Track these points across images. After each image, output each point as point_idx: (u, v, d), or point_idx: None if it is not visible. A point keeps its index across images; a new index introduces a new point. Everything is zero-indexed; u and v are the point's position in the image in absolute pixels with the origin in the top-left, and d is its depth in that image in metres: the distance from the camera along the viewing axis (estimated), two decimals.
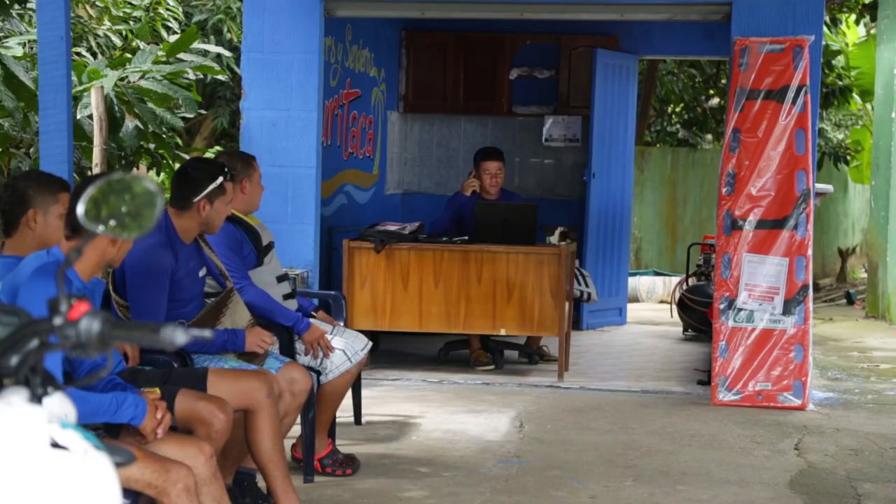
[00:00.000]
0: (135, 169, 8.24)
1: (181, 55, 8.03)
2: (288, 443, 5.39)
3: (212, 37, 10.87)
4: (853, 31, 16.60)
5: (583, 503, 5.09)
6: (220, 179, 4.67)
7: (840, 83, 15.44)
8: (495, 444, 6.09)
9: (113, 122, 7.37)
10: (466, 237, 7.90)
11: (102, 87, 7.08)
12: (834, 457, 5.99)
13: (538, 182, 11.01)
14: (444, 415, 6.76)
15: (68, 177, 5.94)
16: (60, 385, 1.90)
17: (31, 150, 7.81)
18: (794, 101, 7.20)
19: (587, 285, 9.00)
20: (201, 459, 3.64)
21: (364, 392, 6.65)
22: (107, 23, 9.42)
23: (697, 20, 8.73)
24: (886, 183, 12.50)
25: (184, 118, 8.45)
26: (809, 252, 7.23)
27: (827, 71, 14.64)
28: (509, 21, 9.91)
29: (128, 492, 3.36)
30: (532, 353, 8.54)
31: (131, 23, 9.54)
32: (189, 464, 3.54)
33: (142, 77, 7.67)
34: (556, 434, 6.38)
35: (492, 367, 8.18)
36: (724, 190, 7.29)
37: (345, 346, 5.43)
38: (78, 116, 7.30)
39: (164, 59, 7.93)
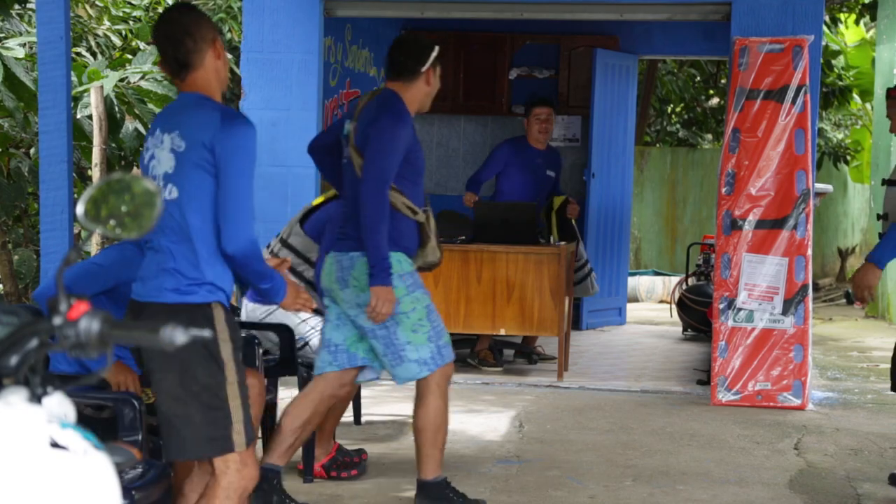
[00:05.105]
0: (135, 168, 8.25)
1: None
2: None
3: None
4: (853, 32, 16.60)
5: (582, 503, 5.09)
6: (437, 48, 4.70)
7: (840, 83, 15.45)
8: (495, 444, 6.10)
9: (113, 123, 7.37)
10: (464, 237, 7.92)
11: (102, 87, 7.09)
12: (833, 457, 6.00)
13: None
14: None
15: (67, 177, 5.95)
16: (60, 385, 1.90)
17: (32, 150, 7.81)
18: (793, 101, 7.20)
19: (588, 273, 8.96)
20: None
21: (364, 392, 6.66)
22: (106, 23, 9.43)
23: (697, 20, 8.73)
24: None
25: None
26: (809, 252, 7.23)
27: (827, 71, 14.64)
28: (509, 21, 9.91)
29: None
30: (531, 353, 8.55)
31: (131, 23, 9.55)
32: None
33: (142, 78, 7.68)
34: (555, 434, 6.38)
35: (499, 369, 8.20)
36: (723, 190, 7.29)
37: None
38: (78, 116, 7.31)
39: None
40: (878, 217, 5.83)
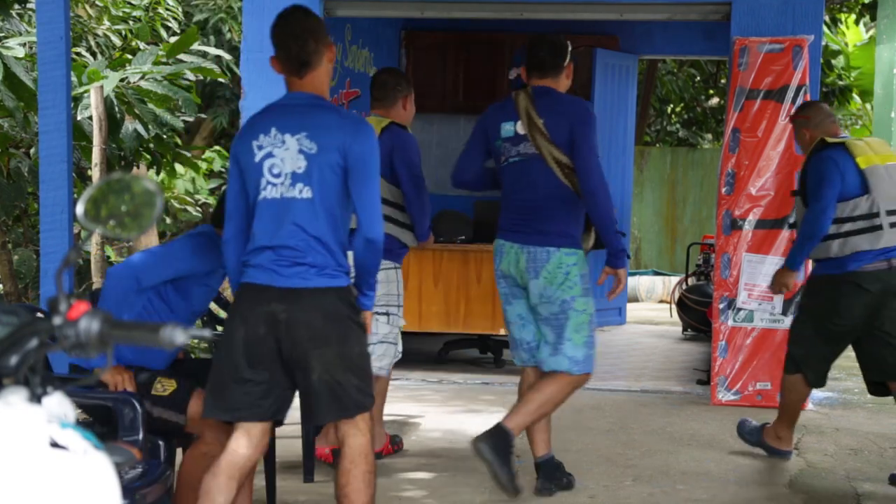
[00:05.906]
0: (135, 168, 8.24)
1: (181, 56, 8.03)
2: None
3: (211, 37, 10.87)
4: (854, 32, 16.59)
5: (582, 503, 5.09)
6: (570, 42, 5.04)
7: (840, 83, 15.45)
8: None
9: (113, 123, 7.37)
10: (464, 237, 7.92)
11: (102, 87, 7.09)
12: (833, 456, 5.99)
13: None
14: (443, 414, 6.76)
15: (67, 177, 5.95)
16: (60, 385, 1.90)
17: (32, 150, 7.81)
18: (793, 101, 7.20)
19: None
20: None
21: None
22: (106, 22, 9.43)
23: (697, 20, 8.73)
24: None
25: (183, 119, 8.45)
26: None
27: (827, 71, 14.64)
28: (509, 21, 9.91)
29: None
30: None
31: (131, 22, 9.55)
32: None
33: (142, 78, 7.68)
34: (555, 434, 6.36)
35: None
36: (723, 190, 7.29)
37: (380, 354, 5.49)
38: (78, 117, 7.31)
39: (164, 59, 7.93)
40: (789, 226, 6.08)
